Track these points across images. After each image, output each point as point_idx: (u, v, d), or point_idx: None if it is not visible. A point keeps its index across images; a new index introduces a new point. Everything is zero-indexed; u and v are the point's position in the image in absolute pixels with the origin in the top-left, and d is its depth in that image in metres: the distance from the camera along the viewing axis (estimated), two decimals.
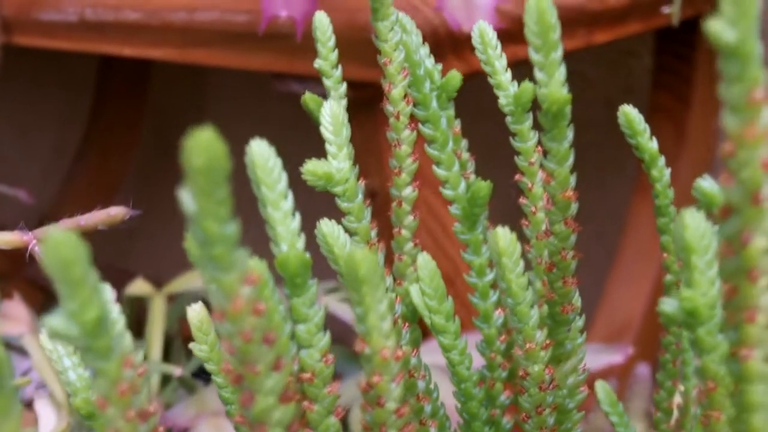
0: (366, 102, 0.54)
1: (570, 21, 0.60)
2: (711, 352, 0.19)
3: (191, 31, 0.63)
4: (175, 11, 0.63)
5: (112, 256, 1.06)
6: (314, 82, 0.52)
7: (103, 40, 0.67)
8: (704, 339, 0.19)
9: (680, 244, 0.20)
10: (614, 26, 0.66)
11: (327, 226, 0.25)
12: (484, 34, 0.30)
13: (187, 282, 0.69)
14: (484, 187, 0.28)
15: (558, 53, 0.21)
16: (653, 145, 0.31)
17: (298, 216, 0.22)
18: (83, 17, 0.67)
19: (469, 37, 0.50)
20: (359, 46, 0.47)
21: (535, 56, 0.21)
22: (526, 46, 0.70)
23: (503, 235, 0.23)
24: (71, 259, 0.16)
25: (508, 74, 0.29)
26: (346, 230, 0.26)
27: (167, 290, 0.68)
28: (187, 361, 0.62)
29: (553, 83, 0.21)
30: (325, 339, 0.22)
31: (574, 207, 0.24)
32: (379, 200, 0.56)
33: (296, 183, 0.27)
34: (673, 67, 0.82)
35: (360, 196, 0.27)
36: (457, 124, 0.31)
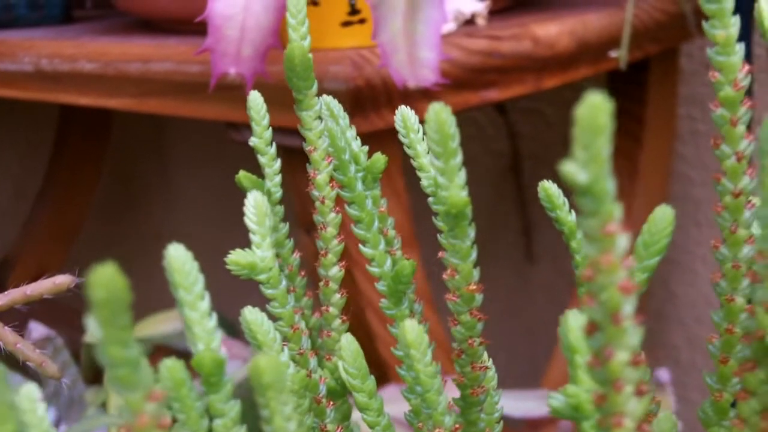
0: None
1: (520, 67, 0.62)
2: None
3: (146, 82, 0.64)
4: (130, 62, 0.64)
5: (74, 298, 1.07)
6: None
7: (59, 90, 0.68)
8: None
9: (565, 344, 0.22)
10: (563, 71, 0.68)
11: (251, 314, 0.27)
12: (406, 118, 0.32)
13: (146, 328, 0.69)
14: (408, 265, 0.30)
15: (457, 160, 0.23)
16: (572, 218, 0.33)
17: (214, 315, 0.23)
18: (39, 67, 0.68)
19: (417, 89, 0.52)
20: None
21: (436, 162, 0.23)
22: (476, 93, 0.71)
23: (411, 327, 0.24)
24: None
25: (430, 156, 0.31)
26: (271, 316, 0.28)
27: None
28: None
29: (453, 187, 0.23)
30: None
31: (478, 299, 0.25)
32: None
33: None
34: (625, 107, 0.84)
35: (284, 283, 0.28)
36: (383, 204, 0.32)
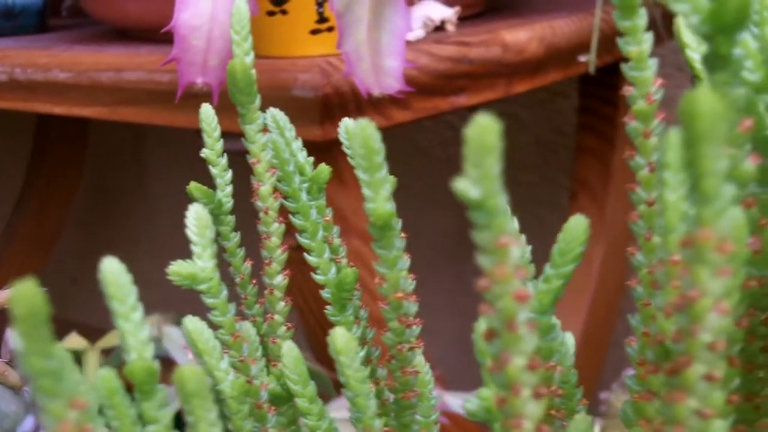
0: None
1: (489, 73, 0.63)
2: None
3: (119, 90, 0.65)
4: (103, 71, 0.65)
5: (52, 304, 1.07)
6: (236, 137, 0.56)
7: (33, 99, 0.69)
8: None
9: (476, 348, 0.23)
10: (533, 76, 0.69)
11: (191, 323, 0.28)
12: (349, 131, 0.33)
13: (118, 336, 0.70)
14: (350, 273, 0.31)
15: (382, 173, 0.24)
16: None
17: (147, 326, 0.24)
18: (13, 77, 0.69)
19: (384, 95, 0.52)
20: (280, 104, 0.50)
21: (362, 176, 0.24)
22: (446, 99, 0.72)
23: (340, 335, 0.25)
24: None
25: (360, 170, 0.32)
26: (211, 325, 0.29)
27: (101, 344, 0.69)
28: None
29: (379, 199, 0.24)
30: None
31: (406, 306, 0.26)
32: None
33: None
34: (598, 110, 0.85)
35: (224, 293, 0.29)
36: (329, 213, 0.33)
